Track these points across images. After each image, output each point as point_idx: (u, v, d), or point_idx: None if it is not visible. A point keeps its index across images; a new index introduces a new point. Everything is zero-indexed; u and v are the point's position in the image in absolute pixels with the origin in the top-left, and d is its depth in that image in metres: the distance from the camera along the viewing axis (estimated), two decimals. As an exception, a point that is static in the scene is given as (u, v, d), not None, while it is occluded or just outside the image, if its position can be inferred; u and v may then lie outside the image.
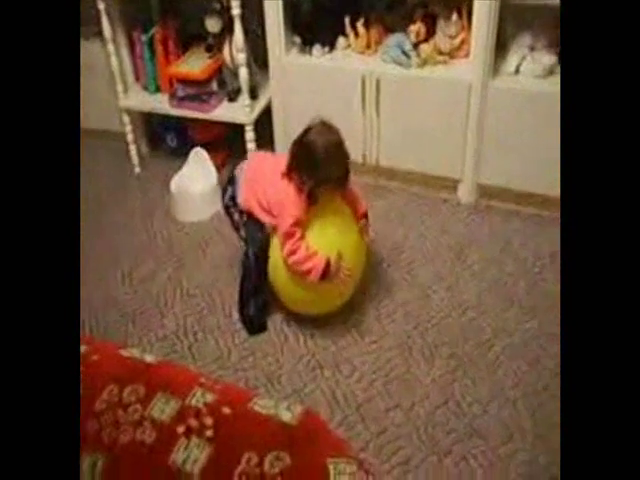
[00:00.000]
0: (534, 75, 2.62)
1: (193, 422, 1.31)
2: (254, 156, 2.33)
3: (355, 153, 2.90)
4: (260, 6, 2.78)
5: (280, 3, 2.73)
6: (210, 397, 1.38)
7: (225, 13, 2.81)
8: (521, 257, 2.63)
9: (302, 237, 2.12)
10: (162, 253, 2.79)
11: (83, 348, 1.50)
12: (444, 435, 1.98)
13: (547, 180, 2.67)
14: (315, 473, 1.25)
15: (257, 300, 2.36)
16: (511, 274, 2.55)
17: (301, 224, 2.12)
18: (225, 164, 3.15)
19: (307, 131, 2.07)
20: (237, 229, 2.34)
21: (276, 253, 2.22)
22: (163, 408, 1.35)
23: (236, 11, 2.65)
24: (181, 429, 1.30)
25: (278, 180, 2.12)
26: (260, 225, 2.25)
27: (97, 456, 1.28)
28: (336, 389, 2.14)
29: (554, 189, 2.63)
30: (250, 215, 2.25)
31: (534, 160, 2.67)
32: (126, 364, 1.48)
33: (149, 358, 1.52)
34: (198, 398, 1.37)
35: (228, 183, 2.31)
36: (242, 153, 3.00)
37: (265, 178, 2.19)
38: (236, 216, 2.30)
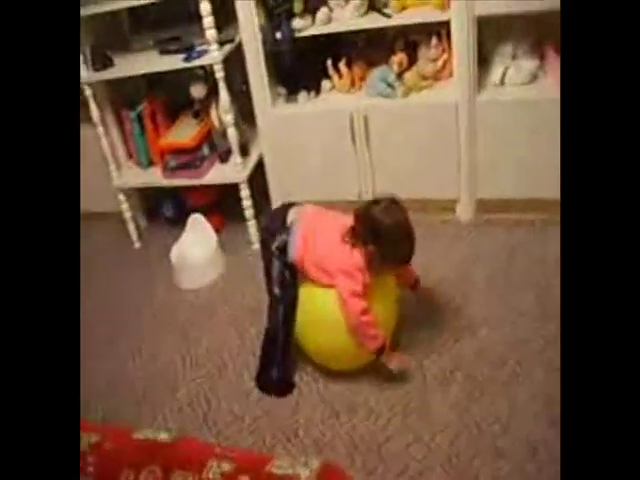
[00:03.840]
0: (519, 83, 2.63)
1: None
2: (309, 209, 2.22)
3: (350, 191, 2.95)
4: (242, 63, 2.83)
5: (262, 57, 2.79)
6: (227, 466, 1.35)
7: (209, 77, 2.86)
8: (526, 266, 2.58)
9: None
10: (167, 324, 2.73)
11: (95, 437, 1.49)
12: (468, 461, 1.89)
13: (543, 183, 2.64)
14: None
15: (285, 363, 2.23)
16: (519, 285, 2.50)
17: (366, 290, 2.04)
18: (224, 227, 3.13)
19: (374, 204, 2.01)
20: (270, 281, 2.20)
21: (312, 307, 2.14)
22: None
23: (219, 74, 2.71)
24: None
25: (339, 242, 2.04)
26: (297, 282, 2.17)
27: None
28: (354, 434, 2.05)
29: (551, 191, 2.54)
30: (293, 270, 2.15)
31: (528, 166, 2.66)
32: (140, 447, 1.47)
33: (163, 436, 1.49)
34: (215, 470, 1.34)
35: (279, 231, 2.17)
36: (239, 213, 2.99)
37: (324, 237, 2.10)
38: (277, 267, 2.17)
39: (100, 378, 2.45)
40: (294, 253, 2.12)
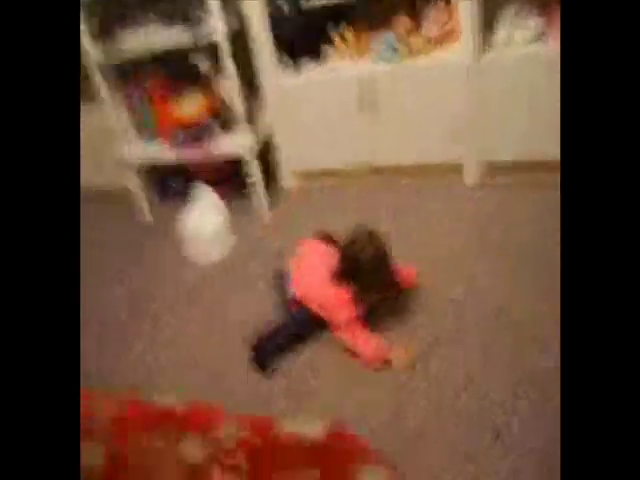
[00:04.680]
0: (524, 41, 2.60)
1: (227, 459, 1.34)
2: (302, 246, 2.41)
3: (358, 157, 2.98)
4: (244, 34, 2.82)
5: (266, 27, 2.78)
6: (235, 429, 1.43)
7: (214, 49, 2.82)
8: (538, 224, 2.56)
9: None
10: (184, 298, 2.73)
11: (116, 407, 1.60)
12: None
13: (550, 145, 2.54)
14: None
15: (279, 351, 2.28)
16: (531, 241, 2.49)
17: (359, 319, 2.18)
18: (232, 198, 3.14)
19: (353, 242, 2.17)
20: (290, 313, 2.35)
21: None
22: (193, 447, 1.39)
23: (224, 46, 2.72)
24: (217, 468, 1.33)
25: (328, 281, 2.19)
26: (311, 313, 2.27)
27: None
28: (365, 400, 1.98)
29: (558, 153, 2.58)
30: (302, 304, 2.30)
31: (536, 126, 2.65)
32: (156, 412, 1.56)
33: (177, 401, 1.61)
34: (227, 434, 1.41)
35: (280, 276, 2.41)
36: (247, 184, 2.98)
37: (314, 276, 2.25)
38: (287, 299, 2.35)
39: (126, 363, 2.43)
40: (294, 292, 2.29)
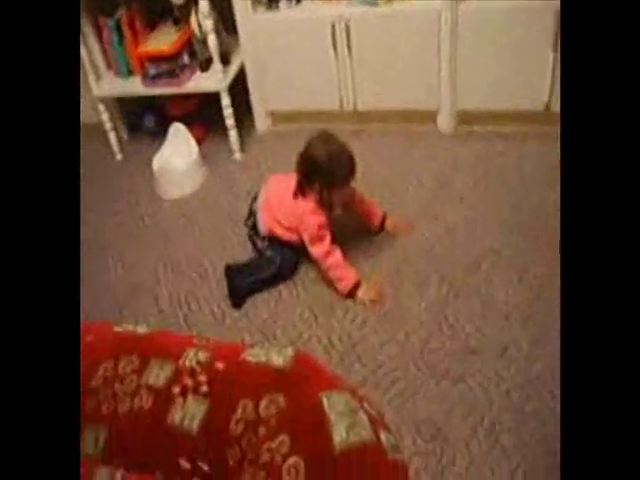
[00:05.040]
0: None
1: (188, 381, 1.33)
2: (269, 181, 2.43)
3: (332, 100, 2.98)
4: None
5: None
6: (203, 355, 1.40)
7: None
8: (505, 176, 2.64)
9: (334, 242, 2.23)
10: (150, 233, 2.77)
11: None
12: (440, 359, 1.97)
13: (524, 95, 2.71)
14: (309, 408, 1.24)
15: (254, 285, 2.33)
16: (496, 195, 2.56)
17: (328, 229, 2.22)
18: (205, 137, 3.14)
19: (308, 145, 2.19)
20: (261, 254, 2.40)
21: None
22: (158, 373, 1.37)
23: None
24: (177, 390, 1.32)
25: (291, 199, 2.23)
26: (282, 247, 2.33)
27: (99, 430, 1.31)
28: (331, 333, 2.13)
29: (532, 103, 2.72)
30: (272, 239, 2.34)
31: (510, 77, 2.69)
32: (119, 338, 1.51)
33: (141, 330, 1.54)
34: (191, 358, 1.38)
35: (248, 216, 2.42)
36: (221, 122, 2.97)
37: (282, 200, 2.28)
38: (259, 243, 2.39)
39: (83, 288, 2.43)
40: (261, 227, 2.34)
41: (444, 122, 2.93)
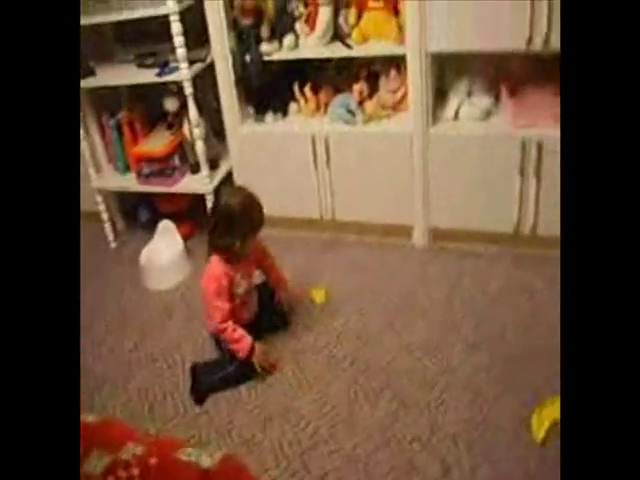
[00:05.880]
0: (472, 118, 2.77)
1: (122, 473, 1.43)
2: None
3: (312, 210, 3.14)
4: (214, 82, 3.02)
5: (232, 80, 2.98)
6: (140, 450, 1.49)
7: (181, 93, 3.02)
8: (470, 295, 2.73)
9: (230, 310, 2.40)
10: (131, 321, 2.92)
11: None
12: (384, 473, 2.02)
13: (494, 216, 2.81)
14: None
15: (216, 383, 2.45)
16: (459, 312, 2.65)
17: (223, 290, 2.38)
18: (193, 234, 3.33)
19: (222, 198, 2.41)
20: (223, 353, 2.52)
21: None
22: (96, 463, 1.46)
23: (188, 90, 2.90)
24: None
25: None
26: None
27: None
28: (282, 438, 2.21)
29: (503, 224, 2.81)
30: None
31: (480, 198, 2.79)
32: None
33: (90, 418, 1.65)
34: (129, 451, 1.48)
35: None
36: (206, 221, 3.11)
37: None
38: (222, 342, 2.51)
39: None
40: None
41: (418, 237, 3.05)
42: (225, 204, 2.34)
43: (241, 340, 2.39)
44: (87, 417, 1.65)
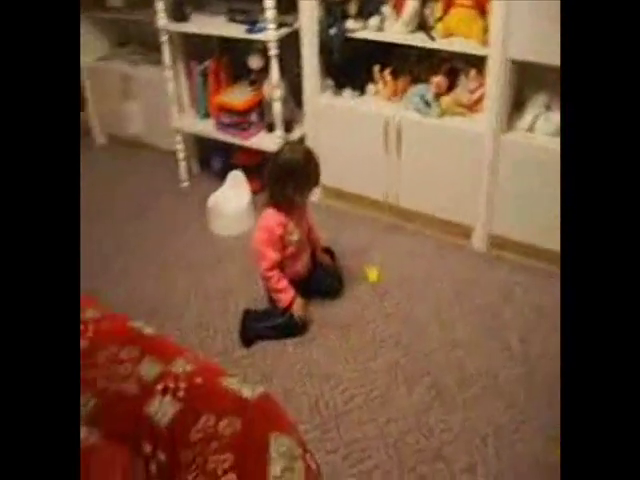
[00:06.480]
0: (546, 133, 2.75)
1: (170, 384, 1.59)
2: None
3: (377, 191, 3.23)
4: (299, 48, 3.13)
5: (316, 49, 3.08)
6: (189, 367, 1.64)
7: (266, 53, 3.12)
8: (520, 307, 2.73)
9: (278, 260, 2.56)
10: (192, 259, 3.14)
11: (96, 313, 1.84)
12: (411, 454, 2.12)
13: (556, 237, 2.74)
14: (258, 440, 1.46)
15: (264, 331, 2.63)
16: (507, 322, 2.66)
17: (275, 241, 2.54)
18: (261, 189, 3.47)
19: (278, 154, 2.54)
20: (274, 305, 2.67)
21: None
22: (149, 369, 1.63)
23: (273, 52, 3.03)
24: (160, 387, 1.58)
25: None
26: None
27: (90, 397, 1.56)
28: (320, 397, 2.34)
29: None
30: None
31: (544, 215, 2.71)
32: (128, 330, 1.80)
33: (148, 330, 1.82)
34: (179, 366, 1.64)
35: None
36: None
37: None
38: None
39: (119, 290, 2.91)
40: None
41: (477, 241, 3.06)
42: (288, 158, 2.47)
43: (284, 291, 2.57)
44: (145, 329, 1.80)
